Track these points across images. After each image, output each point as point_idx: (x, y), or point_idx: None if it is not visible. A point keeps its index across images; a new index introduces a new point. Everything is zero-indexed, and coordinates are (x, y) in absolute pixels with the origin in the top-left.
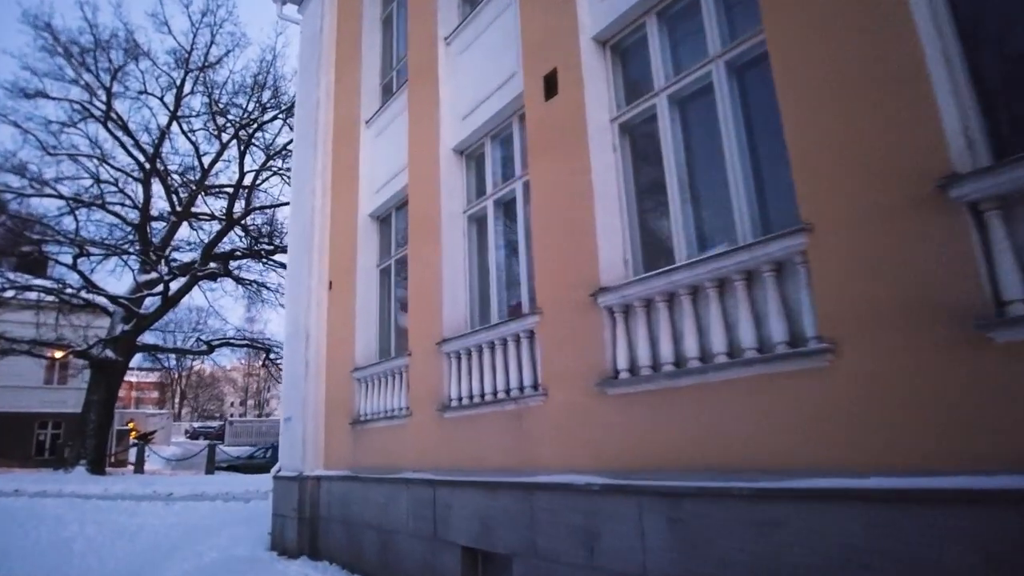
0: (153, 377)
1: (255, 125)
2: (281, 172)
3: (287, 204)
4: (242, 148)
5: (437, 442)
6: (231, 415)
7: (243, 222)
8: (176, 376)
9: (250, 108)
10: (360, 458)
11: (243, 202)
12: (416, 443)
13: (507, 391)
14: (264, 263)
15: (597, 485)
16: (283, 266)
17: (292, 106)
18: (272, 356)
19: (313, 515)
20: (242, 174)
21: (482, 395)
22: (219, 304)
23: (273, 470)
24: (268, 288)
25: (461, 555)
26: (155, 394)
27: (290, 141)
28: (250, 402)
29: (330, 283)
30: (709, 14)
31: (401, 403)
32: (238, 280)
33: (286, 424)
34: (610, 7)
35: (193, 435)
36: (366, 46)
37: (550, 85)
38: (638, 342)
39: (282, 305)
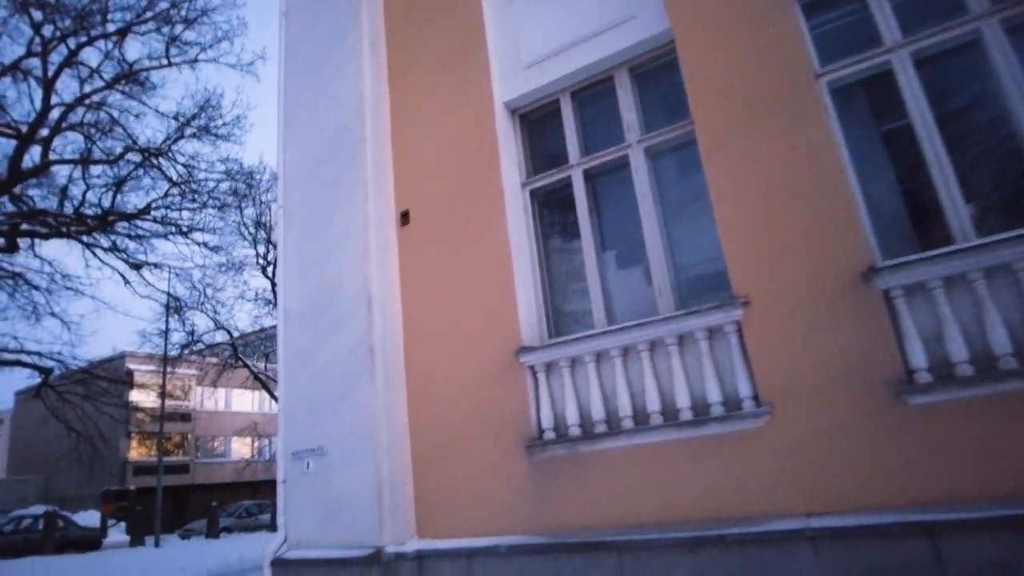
0: None
1: (82, 35)
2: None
3: (115, 160)
4: (49, 76)
5: (895, 456)
6: None
7: (23, 184)
8: None
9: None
10: (574, 511)
11: (39, 149)
12: (801, 462)
13: None
14: (80, 239)
15: None
16: (120, 246)
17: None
18: (51, 381)
19: None
20: (47, 107)
21: None
22: None
23: (269, 549)
24: (33, 285)
25: None
26: None
27: (132, 65)
28: None
29: (405, 214)
30: None
31: (723, 394)
32: None
33: (301, 460)
34: None
35: None
36: None
37: None
38: None
39: (52, 314)
